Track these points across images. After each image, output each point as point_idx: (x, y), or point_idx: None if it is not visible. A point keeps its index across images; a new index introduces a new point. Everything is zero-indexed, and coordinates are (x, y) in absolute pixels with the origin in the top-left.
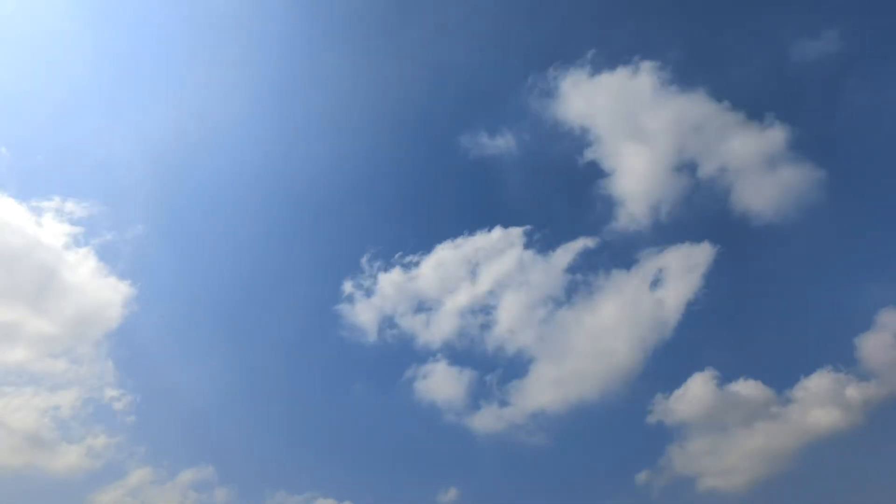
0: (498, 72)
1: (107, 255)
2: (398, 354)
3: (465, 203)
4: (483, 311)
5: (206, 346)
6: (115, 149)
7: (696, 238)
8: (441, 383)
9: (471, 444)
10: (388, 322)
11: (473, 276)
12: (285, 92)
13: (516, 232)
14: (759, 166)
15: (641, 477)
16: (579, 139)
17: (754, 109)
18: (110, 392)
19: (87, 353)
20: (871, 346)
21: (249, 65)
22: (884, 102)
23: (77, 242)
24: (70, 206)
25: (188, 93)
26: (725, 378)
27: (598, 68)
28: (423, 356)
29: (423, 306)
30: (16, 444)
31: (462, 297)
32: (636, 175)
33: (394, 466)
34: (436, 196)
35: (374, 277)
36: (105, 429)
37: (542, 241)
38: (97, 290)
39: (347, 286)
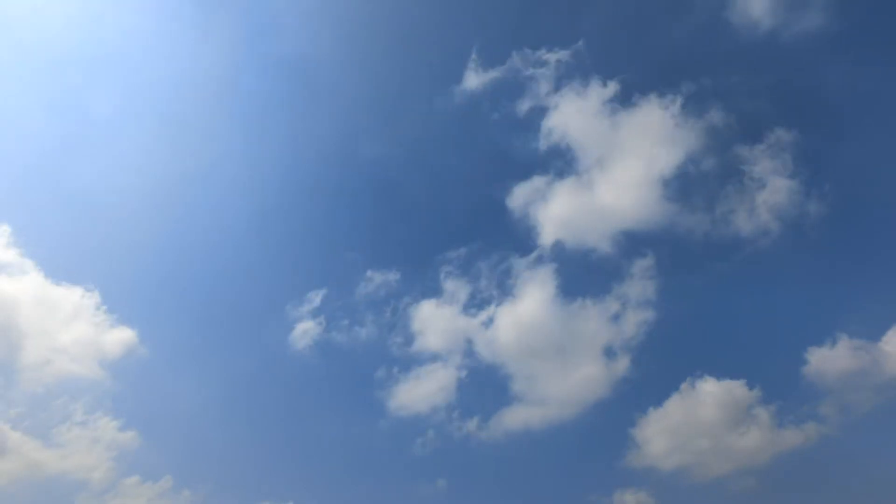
0: None
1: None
2: (375, 371)
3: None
4: (470, 321)
5: (195, 371)
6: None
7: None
8: (421, 394)
9: (455, 457)
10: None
11: (459, 293)
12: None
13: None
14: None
15: (624, 495)
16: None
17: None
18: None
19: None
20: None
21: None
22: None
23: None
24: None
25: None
26: (705, 392)
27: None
28: (405, 367)
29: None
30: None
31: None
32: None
33: (372, 474)
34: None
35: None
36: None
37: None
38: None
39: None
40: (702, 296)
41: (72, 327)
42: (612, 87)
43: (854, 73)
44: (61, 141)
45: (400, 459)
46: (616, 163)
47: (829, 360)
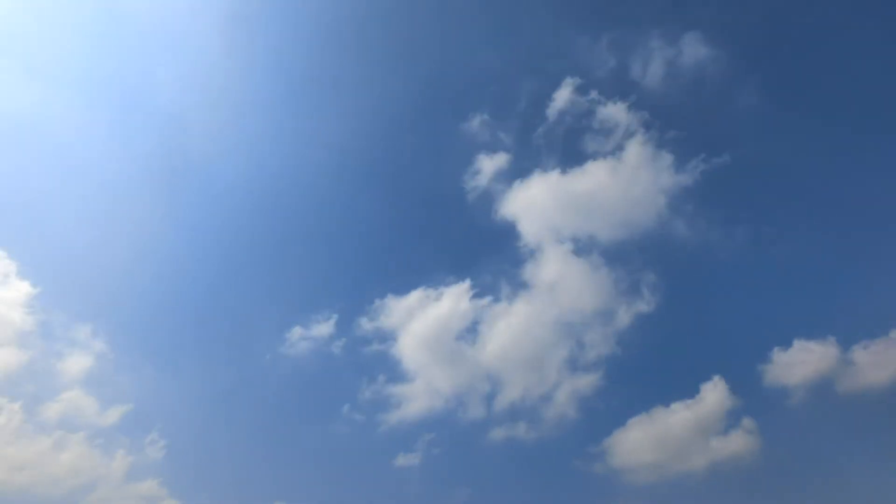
0: None
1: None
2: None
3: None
4: (457, 329)
5: (197, 382)
6: None
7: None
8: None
9: (447, 466)
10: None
11: (446, 301)
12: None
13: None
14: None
15: None
16: None
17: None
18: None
19: None
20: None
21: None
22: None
23: None
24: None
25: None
26: (690, 402)
27: None
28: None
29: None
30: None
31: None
32: None
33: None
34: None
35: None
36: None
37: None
38: None
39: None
40: (686, 307)
41: None
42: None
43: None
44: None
45: (389, 468)
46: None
47: (803, 367)
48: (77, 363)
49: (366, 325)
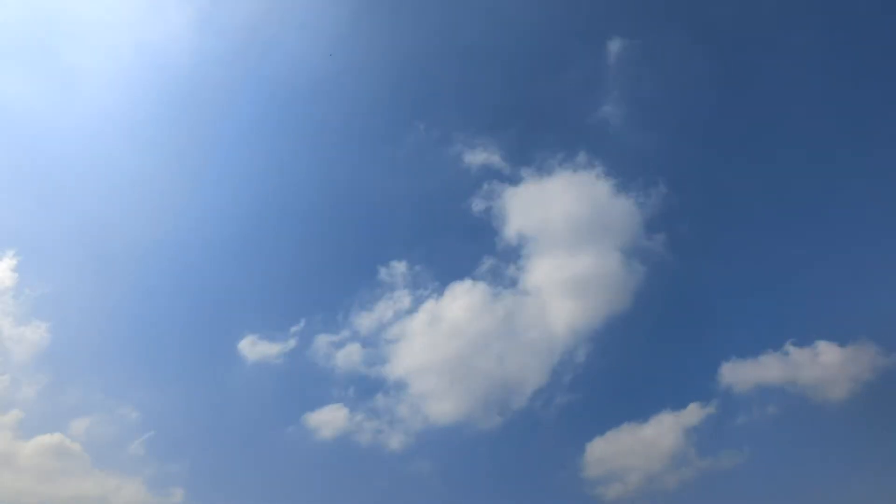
0: None
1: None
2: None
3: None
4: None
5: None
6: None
7: None
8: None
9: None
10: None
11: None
12: None
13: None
14: None
15: None
16: None
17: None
18: None
19: None
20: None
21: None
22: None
23: None
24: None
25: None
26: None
27: None
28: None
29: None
30: None
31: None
32: None
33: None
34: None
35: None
36: None
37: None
38: None
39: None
40: (670, 318)
41: None
42: None
43: None
44: None
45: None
46: None
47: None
48: None
49: (345, 331)
